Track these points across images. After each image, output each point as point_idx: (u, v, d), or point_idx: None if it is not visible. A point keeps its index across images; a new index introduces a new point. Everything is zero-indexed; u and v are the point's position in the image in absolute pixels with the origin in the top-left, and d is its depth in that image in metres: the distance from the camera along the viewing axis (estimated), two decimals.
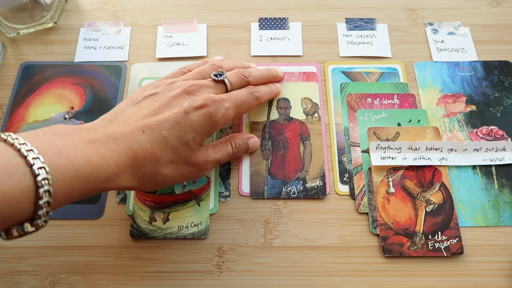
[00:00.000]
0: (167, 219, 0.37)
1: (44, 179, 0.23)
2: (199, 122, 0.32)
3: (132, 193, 0.39)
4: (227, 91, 0.36)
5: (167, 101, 0.33)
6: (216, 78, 0.36)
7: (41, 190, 0.23)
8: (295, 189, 0.39)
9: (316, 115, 0.42)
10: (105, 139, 0.28)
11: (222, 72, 0.36)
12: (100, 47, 0.47)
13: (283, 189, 0.39)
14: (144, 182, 0.31)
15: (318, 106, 0.43)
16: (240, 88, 0.37)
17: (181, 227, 0.37)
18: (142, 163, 0.30)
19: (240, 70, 0.38)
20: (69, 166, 0.25)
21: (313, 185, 0.39)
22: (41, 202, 0.23)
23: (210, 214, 0.38)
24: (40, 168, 0.23)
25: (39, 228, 0.25)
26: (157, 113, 0.32)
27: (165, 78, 0.37)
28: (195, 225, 0.37)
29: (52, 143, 0.25)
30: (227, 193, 0.39)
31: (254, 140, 0.40)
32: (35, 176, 0.23)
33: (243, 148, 0.39)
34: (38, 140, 0.25)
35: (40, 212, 0.24)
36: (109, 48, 0.47)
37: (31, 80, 0.45)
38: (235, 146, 0.37)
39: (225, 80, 0.36)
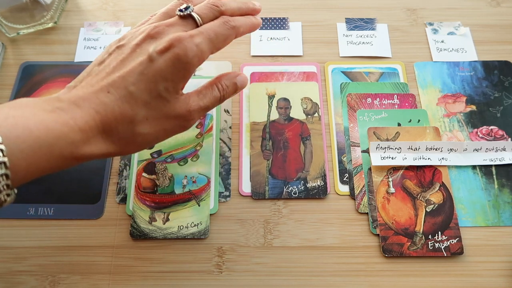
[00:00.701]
0: (167, 219, 0.37)
1: None
2: (168, 68, 0.28)
3: (132, 193, 0.39)
4: (197, 26, 0.31)
5: (131, 51, 0.29)
6: (181, 14, 0.31)
7: None
8: (296, 189, 0.39)
9: (316, 115, 0.42)
10: (67, 106, 0.26)
11: (188, 5, 0.31)
12: (100, 47, 0.47)
13: (284, 189, 0.39)
14: (122, 145, 0.29)
15: (318, 106, 0.43)
16: (213, 20, 0.32)
17: (181, 227, 0.37)
18: (114, 126, 0.27)
19: (211, 0, 0.33)
20: (26, 136, 0.23)
21: (314, 185, 0.39)
22: None
23: (210, 214, 0.38)
24: None
25: (2, 204, 0.24)
26: (121, 68, 0.28)
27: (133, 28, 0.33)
28: (195, 225, 0.37)
29: (8, 115, 0.24)
30: (227, 193, 0.39)
31: (242, 78, 0.34)
32: None
33: (232, 89, 0.34)
34: None
35: None
36: None
37: (31, 80, 0.45)
38: (222, 88, 0.33)
39: (193, 13, 0.31)
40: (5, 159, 0.22)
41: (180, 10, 0.31)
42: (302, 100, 0.43)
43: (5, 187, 0.23)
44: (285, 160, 0.40)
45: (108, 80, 0.28)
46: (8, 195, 0.24)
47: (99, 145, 0.27)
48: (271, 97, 0.43)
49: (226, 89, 0.33)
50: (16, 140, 0.23)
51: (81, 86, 0.28)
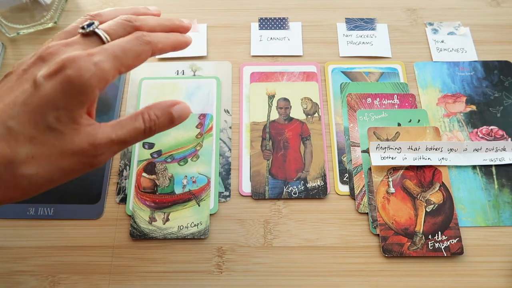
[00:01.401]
0: (167, 219, 0.37)
1: None
2: (58, 93, 0.23)
3: (132, 193, 0.39)
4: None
5: (17, 78, 0.24)
6: (83, 31, 0.26)
7: None
8: (296, 189, 0.39)
9: (316, 115, 0.42)
10: None
11: (92, 22, 0.27)
12: None
13: (284, 189, 0.39)
14: (5, 191, 0.23)
15: (318, 106, 0.43)
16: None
17: (181, 227, 0.37)
18: None
19: (124, 16, 0.28)
20: None
21: (314, 185, 0.39)
22: None
23: (210, 214, 0.38)
24: None
25: None
26: (2, 100, 0.24)
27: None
28: (195, 225, 0.37)
29: None
30: (227, 193, 0.39)
31: (181, 107, 0.28)
32: None
33: (165, 120, 0.28)
34: None
35: None
36: None
37: None
38: (149, 118, 0.27)
39: (97, 30, 0.26)
40: None
41: (82, 28, 0.26)
42: (302, 100, 0.43)
43: None
44: (285, 160, 0.40)
45: None
46: None
47: None
48: (271, 97, 0.43)
49: (155, 119, 0.27)
50: None
51: None
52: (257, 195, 0.39)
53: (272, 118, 0.42)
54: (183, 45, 0.31)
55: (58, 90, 0.23)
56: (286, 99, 0.43)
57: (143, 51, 0.27)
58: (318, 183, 0.39)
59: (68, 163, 0.24)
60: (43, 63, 0.25)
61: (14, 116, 0.23)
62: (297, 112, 0.42)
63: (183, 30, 0.32)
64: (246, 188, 0.39)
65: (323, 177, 0.39)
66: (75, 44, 0.26)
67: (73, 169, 0.25)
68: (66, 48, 0.25)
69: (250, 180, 0.39)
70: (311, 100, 0.43)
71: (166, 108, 0.28)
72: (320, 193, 0.38)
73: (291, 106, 0.43)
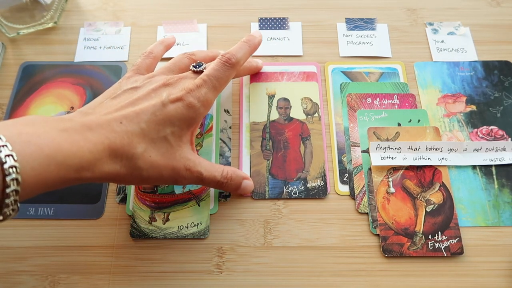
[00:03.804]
0: (167, 219, 0.37)
1: (11, 166, 0.23)
2: (177, 115, 0.31)
3: (132, 193, 0.39)
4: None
5: (146, 94, 0.32)
6: (195, 69, 0.35)
7: (8, 178, 0.23)
8: (296, 189, 0.39)
9: (316, 115, 0.42)
10: (80, 128, 0.28)
11: (201, 63, 0.36)
12: (100, 47, 0.47)
13: (284, 189, 0.39)
14: (129, 169, 0.30)
15: (318, 106, 0.43)
16: None
17: (181, 227, 0.37)
18: (119, 153, 0.29)
19: (223, 58, 0.35)
20: (38, 153, 0.24)
21: (314, 185, 0.39)
22: (8, 190, 0.23)
23: (210, 214, 0.38)
24: (8, 156, 0.23)
25: (7, 217, 0.24)
26: (135, 105, 0.31)
27: (135, 69, 0.36)
28: (195, 225, 0.37)
29: (21, 131, 0.25)
30: (227, 193, 0.39)
31: (249, 183, 0.37)
32: (1, 163, 0.22)
33: (233, 184, 0.36)
34: (7, 128, 0.25)
35: (7, 201, 0.23)
36: (109, 48, 0.47)
37: (31, 80, 0.45)
38: (225, 175, 0.35)
39: (204, 70, 0.35)
40: (18, 176, 0.23)
41: (194, 66, 0.35)
42: (302, 100, 0.43)
43: (13, 202, 0.24)
44: (285, 160, 0.40)
45: (122, 113, 0.30)
46: (13, 210, 0.24)
47: (103, 168, 0.28)
48: (271, 97, 0.43)
49: (229, 180, 0.35)
50: (28, 158, 0.24)
51: (94, 113, 0.30)
52: (257, 195, 0.39)
53: (272, 118, 0.42)
54: (258, 69, 0.44)
55: (178, 112, 0.31)
56: (286, 99, 0.43)
57: (231, 74, 0.35)
58: (318, 183, 0.39)
59: (166, 173, 0.32)
60: (167, 87, 0.33)
61: (146, 121, 0.30)
62: (297, 112, 0.42)
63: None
64: None
65: (323, 177, 0.39)
66: (188, 78, 0.34)
67: (165, 179, 0.32)
68: (182, 80, 0.34)
69: None
70: (311, 100, 0.43)
71: (240, 177, 0.36)
72: (320, 193, 0.38)
73: (291, 106, 0.43)
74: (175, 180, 0.33)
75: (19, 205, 0.24)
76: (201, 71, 0.35)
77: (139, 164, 0.30)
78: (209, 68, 0.34)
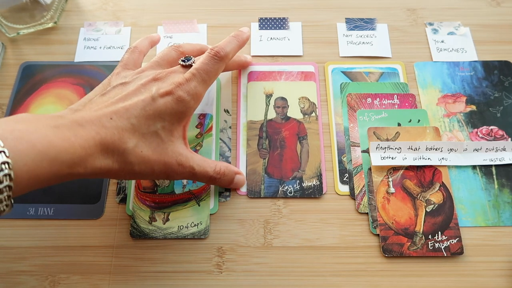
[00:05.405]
0: (167, 219, 0.37)
1: (3, 162, 0.23)
2: (167, 109, 0.31)
3: (132, 193, 0.39)
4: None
5: (135, 89, 0.32)
6: (184, 64, 0.35)
7: (0, 174, 0.23)
8: (291, 188, 0.39)
9: (313, 114, 0.42)
10: (71, 124, 0.28)
11: (190, 57, 0.35)
12: (100, 47, 0.47)
13: (280, 188, 0.39)
14: (116, 168, 0.30)
15: (315, 105, 0.43)
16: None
17: (181, 227, 0.37)
18: (111, 149, 0.29)
19: (211, 51, 0.35)
20: (30, 150, 0.25)
21: (309, 184, 0.39)
22: (1, 186, 0.23)
23: (210, 214, 0.38)
24: (0, 152, 0.23)
25: (1, 213, 0.25)
26: (125, 100, 0.31)
27: (123, 64, 0.36)
28: (195, 225, 0.37)
29: (13, 128, 0.25)
30: (227, 193, 0.39)
31: (241, 178, 0.38)
32: None
33: (226, 179, 0.36)
34: None
35: (0, 196, 0.24)
36: (109, 48, 0.47)
37: (31, 80, 0.45)
38: (218, 171, 0.35)
39: (193, 64, 0.35)
40: (11, 172, 0.24)
41: (183, 61, 0.35)
42: (299, 99, 0.43)
43: (6, 198, 0.24)
44: (281, 159, 0.40)
45: (112, 108, 0.30)
46: (7, 205, 0.25)
47: (95, 163, 0.29)
48: (268, 96, 0.43)
49: (222, 175, 0.36)
50: (21, 154, 0.24)
51: (85, 110, 0.31)
52: (252, 194, 0.39)
53: (269, 117, 0.42)
54: (247, 65, 0.45)
55: (168, 107, 0.31)
56: (283, 98, 0.43)
57: (220, 68, 0.35)
58: (314, 183, 0.39)
59: (158, 168, 0.32)
60: (156, 82, 0.33)
61: (136, 116, 0.30)
62: (294, 112, 0.42)
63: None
64: (243, 187, 0.39)
65: (319, 176, 0.39)
66: (178, 72, 0.34)
67: (157, 175, 0.32)
68: (172, 74, 0.33)
69: (246, 179, 0.39)
70: (308, 99, 0.43)
71: (233, 173, 0.37)
72: (315, 192, 0.38)
73: (288, 105, 0.43)
74: (167, 175, 0.33)
75: (12, 201, 0.25)
76: (190, 65, 0.35)
77: (131, 159, 0.30)
78: (198, 62, 0.34)
